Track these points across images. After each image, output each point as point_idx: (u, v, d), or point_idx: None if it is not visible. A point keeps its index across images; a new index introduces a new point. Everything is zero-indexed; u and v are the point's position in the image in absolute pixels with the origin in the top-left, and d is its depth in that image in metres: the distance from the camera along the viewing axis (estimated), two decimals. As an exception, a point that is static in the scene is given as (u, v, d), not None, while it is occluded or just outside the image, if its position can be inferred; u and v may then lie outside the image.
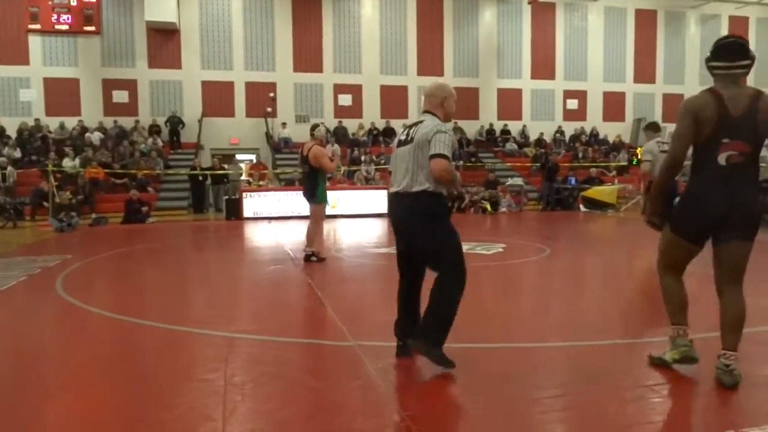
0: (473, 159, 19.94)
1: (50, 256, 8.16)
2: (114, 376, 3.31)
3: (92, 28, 18.96)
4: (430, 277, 3.27)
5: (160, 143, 18.72)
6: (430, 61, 21.74)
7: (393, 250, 3.64)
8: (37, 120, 18.50)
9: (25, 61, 18.66)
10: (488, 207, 16.34)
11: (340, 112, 21.10)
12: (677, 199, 3.20)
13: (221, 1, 20.01)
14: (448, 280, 3.20)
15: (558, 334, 4.04)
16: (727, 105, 2.86)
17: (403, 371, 3.28)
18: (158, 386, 3.10)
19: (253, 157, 20.72)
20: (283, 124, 20.17)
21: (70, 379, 3.29)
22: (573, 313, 4.76)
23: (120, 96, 19.48)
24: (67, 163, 16.46)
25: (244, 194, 15.16)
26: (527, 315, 4.79)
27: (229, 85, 20.20)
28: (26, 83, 18.79)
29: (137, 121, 19.33)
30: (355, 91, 21.32)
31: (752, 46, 3.07)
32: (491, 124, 22.25)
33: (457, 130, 20.26)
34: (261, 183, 17.12)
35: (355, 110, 21.30)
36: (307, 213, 7.43)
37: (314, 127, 7.23)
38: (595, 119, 23.40)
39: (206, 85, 20.02)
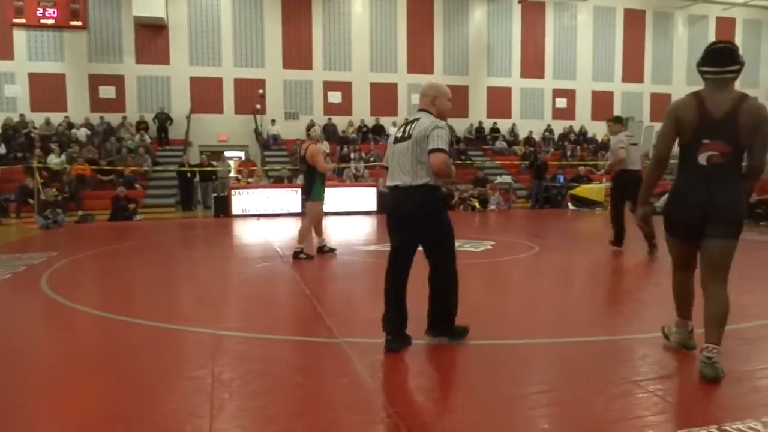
0: (463, 157, 19.98)
1: (35, 254, 8.07)
2: (100, 374, 3.28)
3: (79, 23, 18.73)
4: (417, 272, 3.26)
5: (148, 140, 18.56)
6: (420, 58, 21.75)
7: (382, 247, 3.66)
8: (22, 116, 18.26)
9: (9, 55, 18.39)
10: (477, 204, 16.42)
11: (329, 109, 21.04)
12: (664, 197, 3.31)
13: (210, -3, 19.87)
14: (452, 268, 3.52)
15: (546, 331, 4.06)
16: (708, 107, 2.98)
17: (391, 368, 3.28)
18: (145, 384, 3.08)
19: (242, 154, 20.62)
20: (272, 121, 20.08)
21: (55, 378, 3.25)
22: (561, 310, 4.79)
23: (107, 92, 19.25)
24: (53, 160, 16.24)
25: (232, 191, 15.10)
26: (515, 312, 4.81)
27: (217, 82, 20.05)
28: (11, 78, 18.52)
29: (124, 118, 19.12)
30: (345, 88, 21.26)
31: (739, 47, 3.13)
32: (481, 123, 22.32)
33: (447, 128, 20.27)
34: (250, 180, 17.07)
35: (345, 107, 21.25)
36: (296, 210, 7.40)
37: (310, 126, 7.21)
38: (583, 118, 23.57)
39: (195, 81, 19.85)
